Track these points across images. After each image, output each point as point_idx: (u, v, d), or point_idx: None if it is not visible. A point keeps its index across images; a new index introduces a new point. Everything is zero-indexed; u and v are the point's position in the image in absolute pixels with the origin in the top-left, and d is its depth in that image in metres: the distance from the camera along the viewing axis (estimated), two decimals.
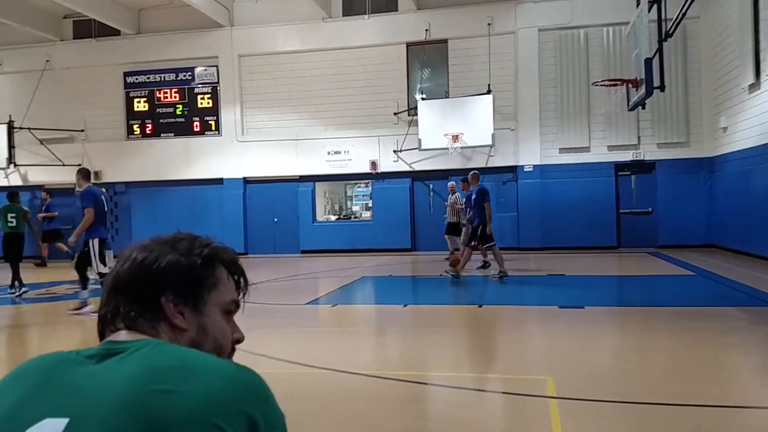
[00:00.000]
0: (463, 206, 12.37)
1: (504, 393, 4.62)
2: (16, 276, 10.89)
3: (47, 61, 18.17)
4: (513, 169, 16.23)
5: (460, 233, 12.74)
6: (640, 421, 3.93)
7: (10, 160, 17.19)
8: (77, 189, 8.68)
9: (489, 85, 15.72)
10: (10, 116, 17.51)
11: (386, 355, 6.21)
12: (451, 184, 14.01)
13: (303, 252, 17.20)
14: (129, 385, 0.95)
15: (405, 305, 8.71)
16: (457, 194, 13.48)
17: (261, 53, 17.36)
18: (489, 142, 15.26)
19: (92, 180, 10.26)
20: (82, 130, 18.14)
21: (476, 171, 12.03)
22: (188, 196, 17.62)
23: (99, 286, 8.67)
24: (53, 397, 0.95)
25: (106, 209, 8.72)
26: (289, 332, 7.13)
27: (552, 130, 16.06)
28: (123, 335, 1.09)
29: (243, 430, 0.98)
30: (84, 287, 8.53)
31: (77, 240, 8.45)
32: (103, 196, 8.73)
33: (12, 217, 11.25)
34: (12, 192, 11.77)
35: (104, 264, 8.38)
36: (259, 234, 17.49)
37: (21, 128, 17.41)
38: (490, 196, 11.30)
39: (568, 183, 15.85)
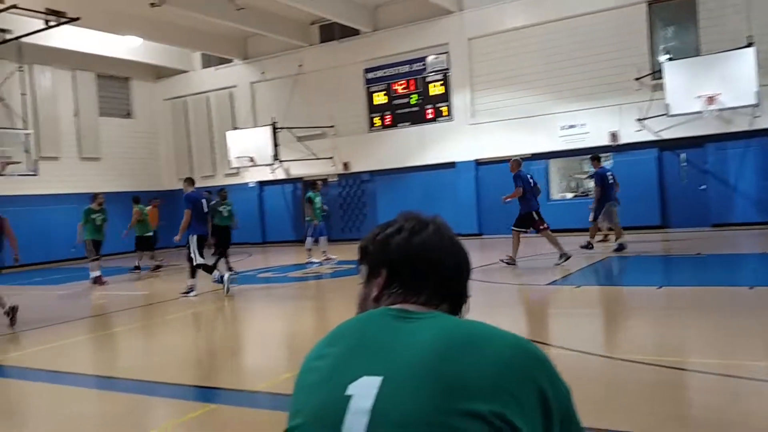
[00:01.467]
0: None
1: None
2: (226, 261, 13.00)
3: (300, 65, 20.28)
4: None
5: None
6: None
7: (275, 157, 19.62)
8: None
9: (749, 36, 13.71)
10: (273, 118, 19.95)
11: (639, 339, 5.85)
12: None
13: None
14: (431, 348, 1.06)
15: (659, 287, 8.09)
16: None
17: (489, 34, 17.33)
18: (752, 101, 13.32)
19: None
20: (332, 126, 19.96)
21: (517, 158, 11.51)
22: (423, 181, 18.36)
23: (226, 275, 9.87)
24: (366, 357, 1.09)
25: (204, 210, 10.08)
26: (532, 312, 7.09)
27: None
28: (409, 306, 1.20)
29: (533, 398, 1.03)
30: (192, 275, 9.91)
31: (182, 237, 9.90)
32: (203, 200, 10.12)
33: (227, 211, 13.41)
34: (221, 189, 13.90)
35: (202, 256, 9.89)
36: (492, 215, 17.54)
37: (282, 128, 19.74)
38: (525, 179, 10.90)
39: None
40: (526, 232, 11.04)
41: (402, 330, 1.11)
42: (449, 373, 1.02)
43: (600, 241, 12.96)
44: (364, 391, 1.03)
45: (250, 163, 19.78)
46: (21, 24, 16.22)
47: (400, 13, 18.50)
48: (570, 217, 16.49)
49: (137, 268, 14.57)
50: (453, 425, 0.97)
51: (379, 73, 19.10)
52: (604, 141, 15.86)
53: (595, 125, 15.94)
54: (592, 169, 15.75)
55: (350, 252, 15.67)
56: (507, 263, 10.66)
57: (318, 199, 14.01)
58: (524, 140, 16.84)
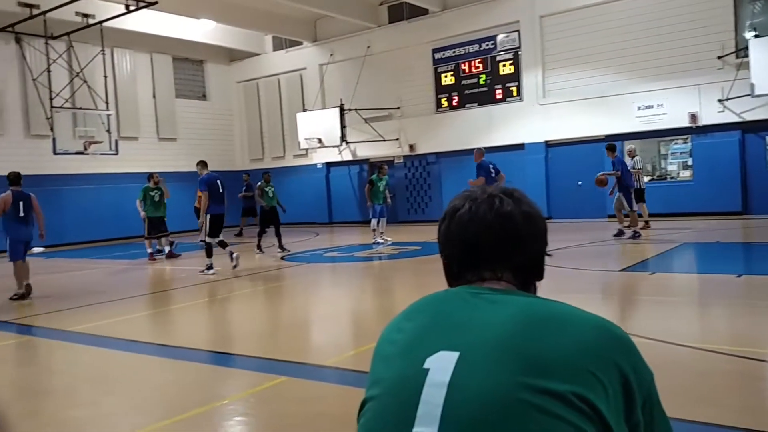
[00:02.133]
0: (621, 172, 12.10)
1: None
2: (263, 238, 13.70)
3: (368, 47, 20.29)
4: None
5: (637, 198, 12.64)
6: None
7: (342, 138, 19.80)
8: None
9: None
10: (341, 100, 20.11)
11: (716, 328, 5.61)
12: (630, 148, 13.92)
13: (610, 216, 16.35)
14: (510, 326, 1.05)
15: (739, 275, 7.72)
16: (636, 158, 13.52)
17: (563, 11, 16.80)
18: None
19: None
20: (398, 108, 19.93)
21: (480, 148, 12.75)
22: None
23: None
24: (444, 333, 1.09)
25: (221, 191, 10.62)
26: (605, 299, 6.93)
27: None
28: (489, 283, 1.19)
29: (615, 380, 1.02)
30: (208, 254, 10.56)
31: (204, 217, 10.53)
32: (218, 181, 10.68)
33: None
34: (265, 172, 14.66)
35: (212, 236, 10.53)
36: (562, 198, 17.17)
37: (349, 110, 19.88)
38: (486, 168, 11.85)
39: None
40: None
41: (479, 307, 1.11)
42: (529, 351, 1.01)
43: (643, 228, 12.78)
44: (441, 365, 1.04)
45: (318, 145, 20.05)
46: (103, 9, 16.95)
47: None
48: (646, 202, 15.95)
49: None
50: (532, 402, 0.97)
51: (448, 53, 18.88)
52: (684, 122, 15.18)
53: (673, 106, 15.26)
54: (675, 148, 15.32)
55: (415, 234, 15.76)
56: None
57: (381, 183, 14.28)
58: (597, 121, 16.33)
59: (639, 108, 15.77)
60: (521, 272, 1.21)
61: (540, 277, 1.25)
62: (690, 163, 15.70)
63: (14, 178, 8.96)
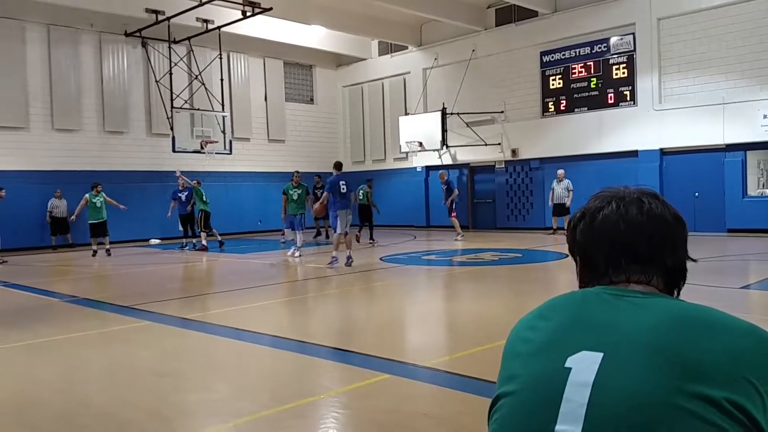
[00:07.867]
0: None
1: None
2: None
3: (473, 50, 20.13)
4: None
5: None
6: None
7: (443, 142, 19.75)
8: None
9: None
10: (443, 104, 20.07)
11: None
12: (560, 172, 16.19)
13: (729, 231, 15.31)
14: (657, 329, 1.01)
15: None
16: (564, 181, 15.83)
17: (683, 13, 15.89)
18: None
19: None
20: (502, 112, 19.62)
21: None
22: (599, 170, 17.38)
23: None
24: (586, 333, 1.06)
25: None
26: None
27: None
28: (634, 285, 1.14)
29: None
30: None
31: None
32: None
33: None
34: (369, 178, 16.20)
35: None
36: (678, 209, 16.03)
37: (451, 113, 19.80)
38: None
39: None
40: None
41: (623, 309, 1.08)
42: (681, 355, 0.97)
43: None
44: (584, 365, 1.01)
45: (419, 148, 20.11)
46: (221, 14, 17.89)
47: None
48: None
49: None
50: (684, 407, 0.93)
51: (557, 56, 18.37)
52: None
53: None
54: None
55: (516, 241, 15.44)
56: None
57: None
58: (717, 129, 15.33)
59: (765, 116, 14.64)
60: (670, 276, 1.17)
61: (684, 281, 1.20)
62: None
63: None
